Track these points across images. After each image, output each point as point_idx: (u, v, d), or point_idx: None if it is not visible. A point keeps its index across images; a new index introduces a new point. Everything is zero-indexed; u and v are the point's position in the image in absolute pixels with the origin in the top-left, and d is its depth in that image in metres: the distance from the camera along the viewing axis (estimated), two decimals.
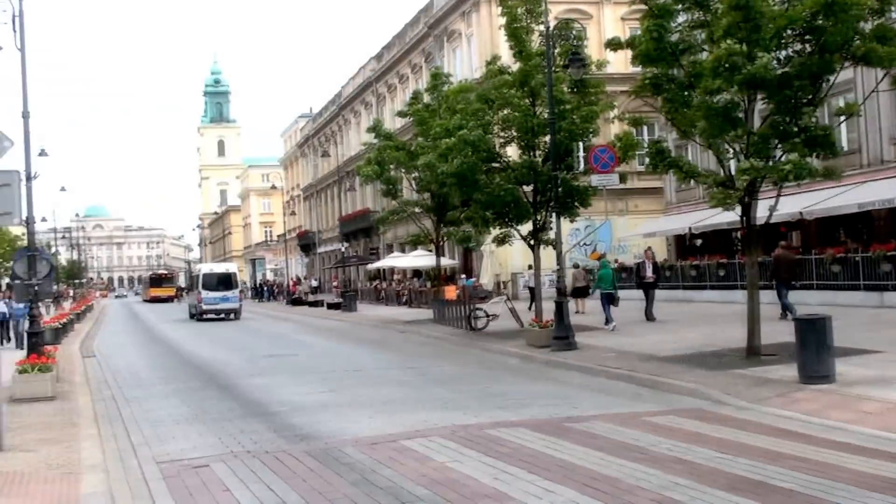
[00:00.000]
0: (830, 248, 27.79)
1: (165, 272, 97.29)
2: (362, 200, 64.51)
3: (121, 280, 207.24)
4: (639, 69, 16.80)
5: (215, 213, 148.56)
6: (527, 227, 23.77)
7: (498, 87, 22.82)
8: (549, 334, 19.62)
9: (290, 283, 68.69)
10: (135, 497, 8.29)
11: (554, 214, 21.58)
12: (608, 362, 16.48)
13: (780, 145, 15.02)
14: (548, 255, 23.67)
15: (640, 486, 7.83)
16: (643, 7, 15.99)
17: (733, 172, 15.62)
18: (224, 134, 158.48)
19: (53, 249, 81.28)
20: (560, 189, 21.31)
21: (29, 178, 18.23)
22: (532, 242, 23.44)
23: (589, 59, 22.11)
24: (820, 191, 26.48)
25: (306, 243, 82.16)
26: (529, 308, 27.60)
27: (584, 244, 38.41)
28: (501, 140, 24.06)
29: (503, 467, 8.80)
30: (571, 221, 24.39)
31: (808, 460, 8.58)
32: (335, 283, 65.03)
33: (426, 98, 32.09)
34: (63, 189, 78.67)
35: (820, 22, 13.92)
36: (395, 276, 54.28)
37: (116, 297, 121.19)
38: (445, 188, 25.17)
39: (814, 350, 12.49)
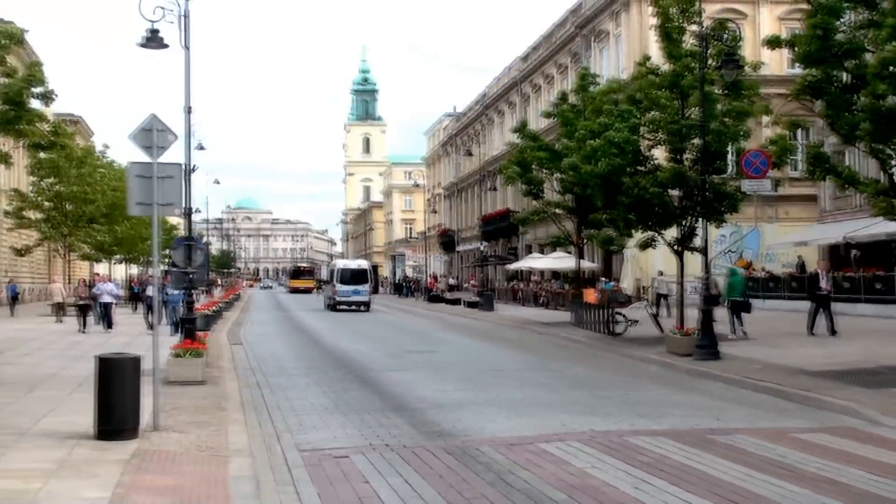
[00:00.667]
0: None
1: (306, 265, 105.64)
2: (503, 201, 64.61)
3: (266, 271, 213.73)
4: (795, 71, 16.17)
5: (359, 208, 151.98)
6: (671, 233, 23.24)
7: (647, 88, 22.41)
8: (690, 342, 19.13)
9: (429, 280, 69.46)
10: (278, 482, 8.53)
11: (701, 220, 21.02)
12: (754, 374, 15.91)
13: None
14: (689, 262, 23.10)
15: None
16: (804, 7, 15.36)
17: None
18: (370, 131, 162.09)
19: (205, 239, 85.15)
20: (708, 193, 20.73)
21: (189, 171, 19.04)
22: (678, 248, 22.89)
23: (743, 60, 21.40)
24: None
25: (447, 241, 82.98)
26: (655, 315, 27.01)
27: (730, 251, 37.25)
28: (649, 142, 23.62)
29: (643, 476, 8.62)
30: (717, 227, 23.69)
31: None
32: (473, 282, 65.38)
33: (572, 98, 31.82)
34: (217, 182, 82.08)
35: None
36: (534, 278, 54.21)
37: (262, 287, 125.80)
38: (589, 190, 24.87)
39: None
